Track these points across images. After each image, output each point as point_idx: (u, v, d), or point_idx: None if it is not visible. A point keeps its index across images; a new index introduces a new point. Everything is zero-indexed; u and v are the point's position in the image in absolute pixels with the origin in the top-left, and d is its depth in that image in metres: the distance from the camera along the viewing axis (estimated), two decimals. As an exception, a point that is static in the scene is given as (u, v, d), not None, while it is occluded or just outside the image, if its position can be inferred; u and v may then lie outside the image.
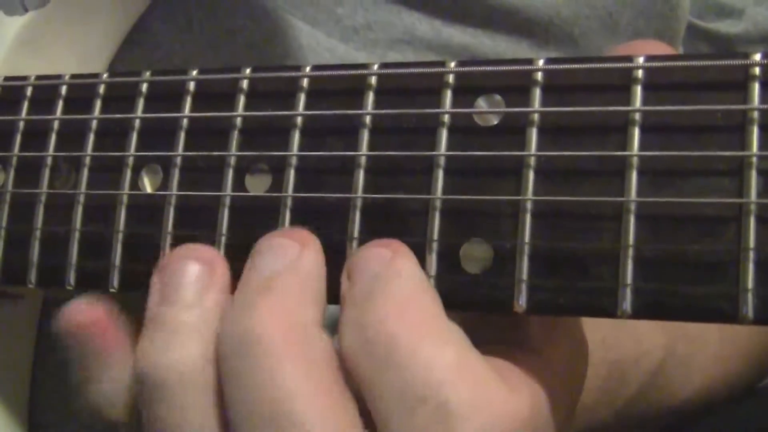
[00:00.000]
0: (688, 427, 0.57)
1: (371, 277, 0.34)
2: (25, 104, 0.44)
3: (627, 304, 0.32)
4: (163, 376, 0.34)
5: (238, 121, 0.39)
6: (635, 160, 0.33)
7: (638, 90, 0.33)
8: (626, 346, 0.51)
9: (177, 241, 0.39)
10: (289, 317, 0.33)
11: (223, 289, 0.36)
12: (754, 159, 0.31)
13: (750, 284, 0.31)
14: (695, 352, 0.55)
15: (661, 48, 0.36)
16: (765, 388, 0.62)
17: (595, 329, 0.42)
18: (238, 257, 0.37)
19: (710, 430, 0.57)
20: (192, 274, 0.36)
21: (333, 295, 0.36)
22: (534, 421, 0.33)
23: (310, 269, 0.35)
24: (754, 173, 0.31)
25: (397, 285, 0.33)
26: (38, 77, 0.44)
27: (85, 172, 0.41)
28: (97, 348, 0.38)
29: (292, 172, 0.38)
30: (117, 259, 0.40)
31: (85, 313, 0.38)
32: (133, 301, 0.39)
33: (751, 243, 0.31)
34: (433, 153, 0.35)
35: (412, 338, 0.32)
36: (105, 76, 0.42)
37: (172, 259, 0.37)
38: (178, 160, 0.40)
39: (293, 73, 0.38)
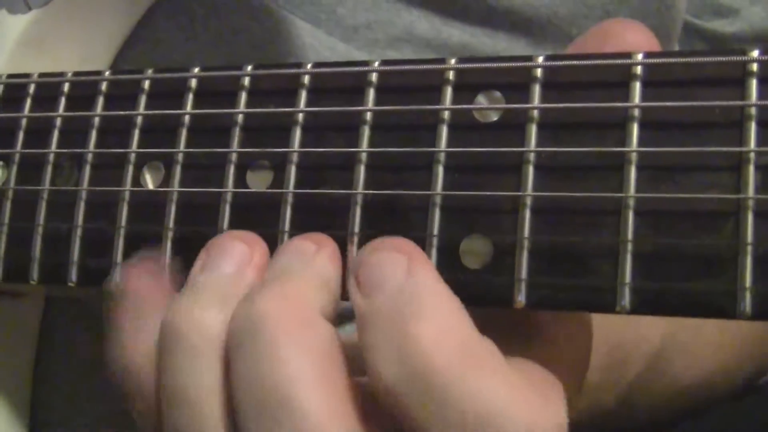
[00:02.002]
0: (690, 422, 0.57)
1: (395, 291, 0.33)
2: (28, 102, 0.44)
3: (625, 300, 0.32)
4: (184, 328, 0.35)
5: (240, 118, 0.39)
6: (634, 156, 0.33)
7: (637, 86, 0.33)
8: (626, 329, 0.51)
9: (179, 238, 0.39)
10: (296, 304, 0.34)
11: (260, 270, 0.37)
12: (752, 155, 0.31)
13: (748, 280, 0.31)
14: (694, 340, 0.55)
15: (640, 30, 0.36)
16: (766, 385, 0.62)
17: None
18: None
19: (711, 425, 0.57)
20: (235, 250, 0.37)
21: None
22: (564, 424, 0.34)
23: (324, 265, 0.36)
24: (752, 169, 0.31)
25: (431, 306, 0.32)
26: (41, 75, 0.44)
27: (87, 170, 0.42)
28: (147, 306, 0.38)
29: (293, 169, 0.38)
30: (119, 256, 0.40)
31: (146, 275, 0.39)
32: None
33: (749, 238, 0.31)
34: (434, 149, 0.36)
35: (462, 372, 0.32)
36: (107, 73, 0.43)
37: (220, 238, 0.38)
38: (180, 156, 0.40)
39: (295, 70, 0.39)
